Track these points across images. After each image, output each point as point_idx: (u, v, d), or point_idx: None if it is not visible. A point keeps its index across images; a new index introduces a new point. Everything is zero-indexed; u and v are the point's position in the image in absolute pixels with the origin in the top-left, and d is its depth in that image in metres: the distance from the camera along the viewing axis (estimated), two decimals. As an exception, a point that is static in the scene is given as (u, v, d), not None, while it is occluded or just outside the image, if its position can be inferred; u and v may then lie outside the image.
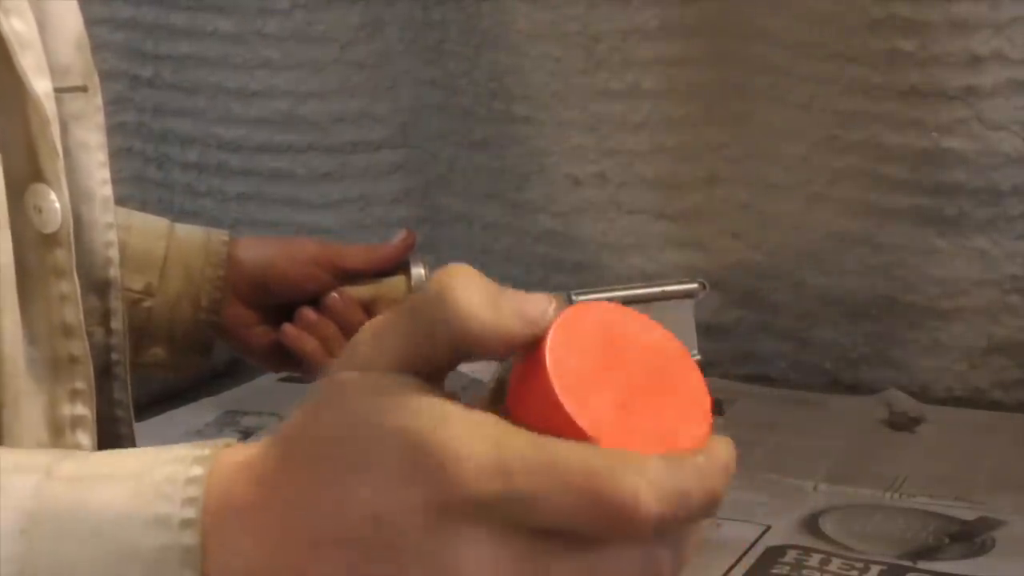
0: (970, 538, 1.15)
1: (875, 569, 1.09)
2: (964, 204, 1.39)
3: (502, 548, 0.47)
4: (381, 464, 0.48)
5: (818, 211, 1.47)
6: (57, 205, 0.77)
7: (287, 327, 1.15)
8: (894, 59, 1.36)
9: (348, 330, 1.14)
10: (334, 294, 1.15)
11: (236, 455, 0.52)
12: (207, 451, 0.52)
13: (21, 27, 0.76)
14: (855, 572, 1.09)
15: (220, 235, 1.15)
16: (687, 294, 1.10)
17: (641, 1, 1.48)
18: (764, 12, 1.43)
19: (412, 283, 1.15)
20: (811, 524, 1.17)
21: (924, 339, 1.45)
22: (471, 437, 0.47)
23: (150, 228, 1.14)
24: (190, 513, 0.50)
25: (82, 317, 0.80)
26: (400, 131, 1.66)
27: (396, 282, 1.15)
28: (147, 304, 1.10)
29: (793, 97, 1.44)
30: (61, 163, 0.78)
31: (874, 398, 1.44)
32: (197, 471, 0.51)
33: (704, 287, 1.09)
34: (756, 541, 1.14)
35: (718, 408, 1.49)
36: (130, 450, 0.55)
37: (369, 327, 0.52)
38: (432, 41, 1.59)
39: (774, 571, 1.09)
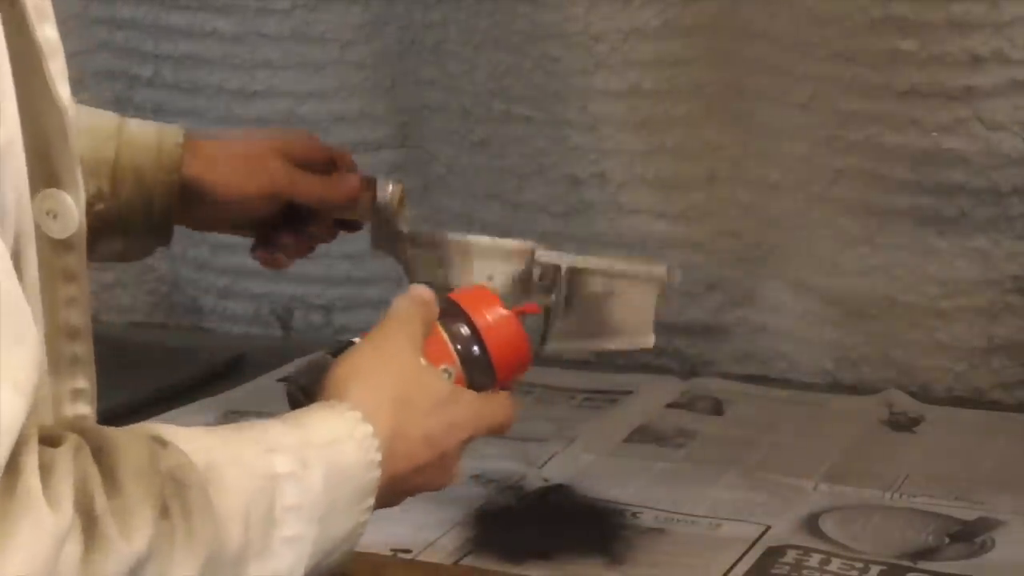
0: (970, 538, 1.15)
1: (875, 569, 1.09)
2: (964, 204, 1.39)
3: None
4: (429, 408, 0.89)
5: (818, 211, 1.47)
6: (75, 210, 0.77)
7: (260, 253, 1.16)
8: (894, 59, 1.36)
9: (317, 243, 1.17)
10: (319, 230, 1.16)
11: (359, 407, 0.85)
12: (359, 412, 0.84)
13: (52, 34, 0.75)
14: (855, 572, 1.09)
15: (174, 136, 1.10)
16: (651, 279, 1.06)
17: (641, 1, 1.48)
18: (764, 12, 1.43)
19: (376, 203, 1.14)
20: (811, 524, 1.17)
21: (924, 339, 1.45)
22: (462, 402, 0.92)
23: (99, 127, 1.09)
24: (378, 456, 0.84)
25: (89, 319, 0.80)
26: (400, 131, 1.66)
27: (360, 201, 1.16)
28: (98, 207, 1.07)
29: (793, 97, 1.43)
30: (79, 168, 0.78)
31: (874, 398, 1.44)
32: (369, 428, 0.84)
33: (672, 275, 1.05)
34: (756, 541, 1.14)
35: (718, 408, 1.50)
36: (313, 421, 0.84)
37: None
38: (432, 41, 1.59)
39: (774, 571, 1.09)
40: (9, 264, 0.67)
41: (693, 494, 1.23)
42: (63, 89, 0.76)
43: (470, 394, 0.93)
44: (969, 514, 1.18)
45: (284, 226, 1.14)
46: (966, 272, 1.41)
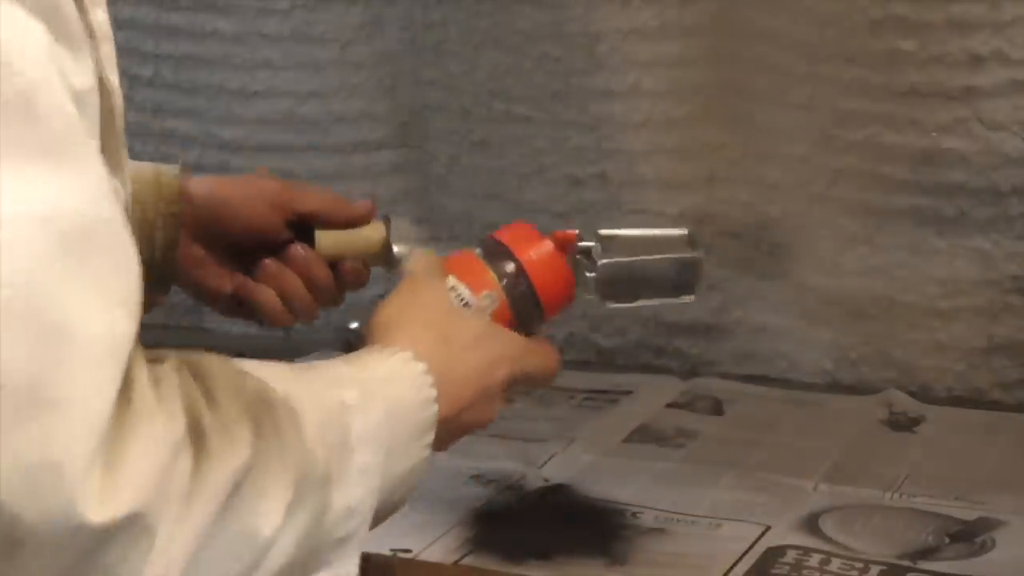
0: (970, 538, 1.15)
1: (875, 569, 1.09)
2: (964, 204, 1.39)
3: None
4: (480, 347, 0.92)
5: (818, 211, 1.47)
6: (121, 193, 0.78)
7: (247, 281, 1.10)
8: (894, 59, 1.37)
9: (309, 283, 1.09)
10: (297, 246, 1.09)
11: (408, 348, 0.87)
12: (409, 352, 0.86)
13: (103, 18, 0.76)
14: (855, 572, 1.09)
15: (171, 169, 1.09)
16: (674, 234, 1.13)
17: (641, 1, 1.48)
18: (764, 12, 1.43)
19: (392, 234, 1.10)
20: (811, 524, 1.17)
21: (924, 339, 1.45)
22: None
23: None
24: (434, 391, 0.85)
25: None
26: (400, 131, 1.66)
27: (369, 234, 1.11)
28: None
29: (793, 97, 1.44)
30: (126, 151, 0.78)
31: (874, 398, 1.44)
32: (421, 365, 0.86)
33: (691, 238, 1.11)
34: (756, 541, 1.14)
35: (718, 408, 1.50)
36: (366, 361, 0.85)
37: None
38: (432, 41, 1.59)
39: (774, 571, 1.09)
40: (115, 199, 0.70)
41: (693, 494, 1.23)
42: (113, 75, 0.77)
43: (509, 332, 0.96)
44: (969, 514, 1.18)
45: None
46: (966, 272, 1.41)
